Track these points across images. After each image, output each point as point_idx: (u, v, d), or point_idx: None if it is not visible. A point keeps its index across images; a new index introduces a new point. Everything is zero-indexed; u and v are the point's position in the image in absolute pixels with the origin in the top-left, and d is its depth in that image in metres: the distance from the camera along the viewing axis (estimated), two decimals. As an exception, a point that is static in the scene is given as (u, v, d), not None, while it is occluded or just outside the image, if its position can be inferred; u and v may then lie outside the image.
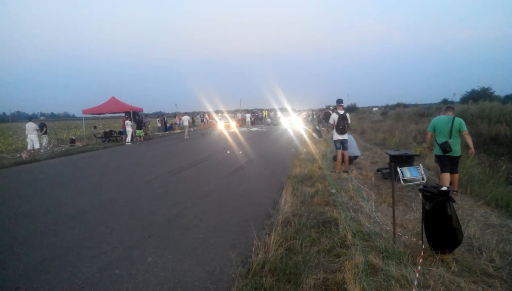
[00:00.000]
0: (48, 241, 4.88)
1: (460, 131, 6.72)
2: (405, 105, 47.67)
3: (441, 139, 6.82)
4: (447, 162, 6.77)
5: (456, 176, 6.87)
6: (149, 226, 5.38)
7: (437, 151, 6.94)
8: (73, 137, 22.02)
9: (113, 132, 23.60)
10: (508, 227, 4.97)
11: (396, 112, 35.46)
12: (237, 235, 4.88)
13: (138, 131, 21.77)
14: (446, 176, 6.68)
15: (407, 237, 4.45)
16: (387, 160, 9.48)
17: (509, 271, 3.58)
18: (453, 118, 6.78)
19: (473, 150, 6.71)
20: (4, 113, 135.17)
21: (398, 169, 7.73)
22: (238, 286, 3.31)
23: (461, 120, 6.79)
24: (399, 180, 7.67)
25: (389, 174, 8.28)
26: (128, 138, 21.11)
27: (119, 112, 23.44)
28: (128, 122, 21.30)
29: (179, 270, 3.85)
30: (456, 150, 6.72)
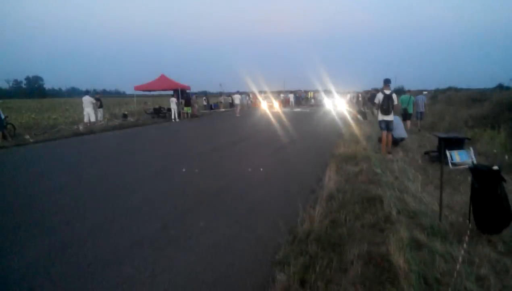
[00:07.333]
0: (108, 204, 5.37)
1: (412, 102, 14.47)
2: (456, 89, 44.93)
3: (403, 106, 14.32)
4: (405, 117, 14.22)
5: (408, 121, 14.32)
6: (200, 195, 5.74)
7: (402, 111, 14.34)
8: (126, 113, 23.11)
9: (162, 109, 24.48)
10: None
11: (447, 96, 33.67)
12: (282, 207, 5.09)
13: (186, 108, 22.42)
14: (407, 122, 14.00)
15: (453, 217, 4.44)
16: (436, 143, 9.23)
17: (560, 254, 3.51)
18: (410, 97, 14.53)
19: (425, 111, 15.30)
20: (60, 89, 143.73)
21: (447, 152, 7.53)
22: (285, 251, 3.52)
23: (413, 97, 14.68)
24: (447, 163, 7.49)
25: (437, 157, 8.10)
26: (173, 115, 21.63)
27: (168, 90, 24.13)
28: (173, 99, 21.77)
29: (229, 235, 4.14)
30: (410, 110, 14.49)
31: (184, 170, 7.50)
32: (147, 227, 4.39)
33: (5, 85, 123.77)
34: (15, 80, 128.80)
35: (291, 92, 47.15)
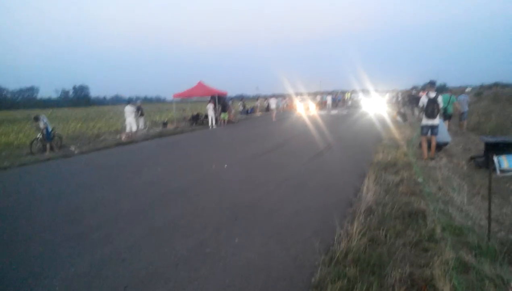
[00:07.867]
0: (146, 218, 5.46)
1: (452, 101, 13.57)
2: (503, 85, 42.37)
3: (444, 106, 11.95)
4: (445, 117, 13.02)
5: (447, 121, 13.19)
6: (235, 208, 5.73)
7: (442, 111, 11.54)
8: (165, 121, 23.72)
9: (199, 116, 24.94)
10: None
11: (493, 93, 31.76)
12: (319, 222, 4.96)
13: (222, 114, 22.74)
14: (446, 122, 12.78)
15: (503, 233, 4.16)
16: (482, 146, 8.73)
17: None
18: (450, 96, 13.60)
19: (460, 110, 14.46)
20: (104, 97, 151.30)
21: (495, 158, 7.10)
22: (321, 273, 3.42)
23: (454, 97, 13.96)
24: (495, 169, 7.05)
25: (483, 162, 7.66)
26: (210, 122, 21.87)
27: (206, 96, 24.55)
28: (209, 106, 22.05)
29: (264, 253, 4.07)
30: (450, 110, 13.53)
31: (219, 181, 7.57)
32: (183, 244, 4.41)
33: (54, 95, 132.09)
34: (63, 90, 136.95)
35: (328, 94, 46.52)
